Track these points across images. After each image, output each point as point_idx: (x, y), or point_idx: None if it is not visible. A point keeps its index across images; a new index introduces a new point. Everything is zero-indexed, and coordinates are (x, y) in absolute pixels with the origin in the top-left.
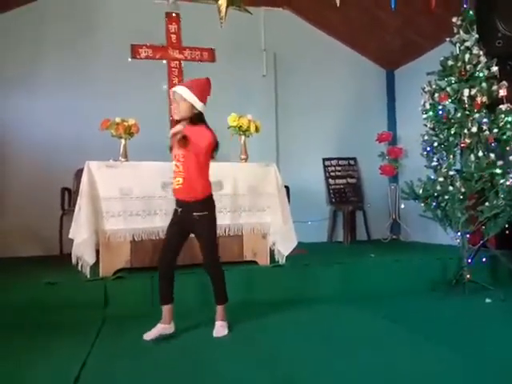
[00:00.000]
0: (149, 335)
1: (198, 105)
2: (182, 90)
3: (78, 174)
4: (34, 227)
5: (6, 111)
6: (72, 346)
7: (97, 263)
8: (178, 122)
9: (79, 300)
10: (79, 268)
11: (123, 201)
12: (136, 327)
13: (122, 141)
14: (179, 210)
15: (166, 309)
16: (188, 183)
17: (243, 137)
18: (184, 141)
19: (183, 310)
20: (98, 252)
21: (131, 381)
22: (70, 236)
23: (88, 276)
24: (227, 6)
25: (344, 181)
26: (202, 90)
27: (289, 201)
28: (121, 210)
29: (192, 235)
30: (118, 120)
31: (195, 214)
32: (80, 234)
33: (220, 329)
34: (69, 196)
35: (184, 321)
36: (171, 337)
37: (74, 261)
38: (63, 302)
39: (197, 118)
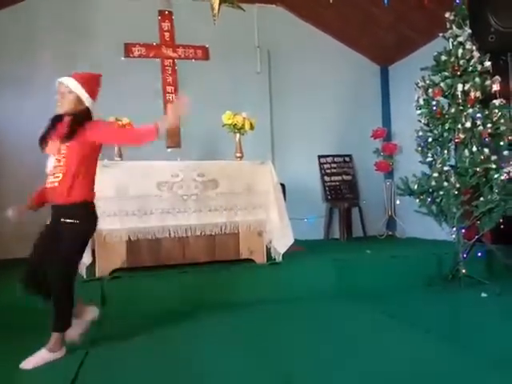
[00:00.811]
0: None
1: (88, 100)
2: (69, 81)
3: None
4: (28, 228)
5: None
6: (69, 346)
7: (93, 263)
8: (60, 116)
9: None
10: None
11: (119, 200)
12: (133, 326)
13: None
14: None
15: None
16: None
17: (238, 135)
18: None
19: (176, 309)
20: (94, 252)
21: (129, 380)
22: None
23: (84, 276)
24: (220, 3)
25: (339, 178)
26: (94, 84)
27: (284, 198)
28: (116, 210)
29: None
30: (111, 119)
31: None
32: None
33: (35, 358)
34: None
35: (181, 320)
36: (167, 337)
37: None
38: None
39: (84, 114)
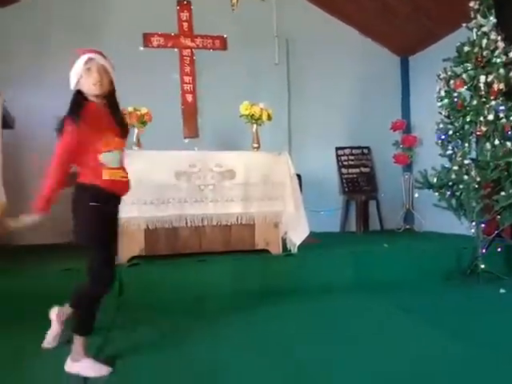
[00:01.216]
0: (102, 370)
1: (114, 80)
2: (102, 59)
3: None
4: (49, 215)
5: (21, 103)
6: None
7: None
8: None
9: None
10: None
11: (137, 189)
12: (150, 314)
13: (135, 129)
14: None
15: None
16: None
17: (255, 125)
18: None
19: (192, 297)
20: None
21: (146, 368)
22: None
23: None
24: None
25: (357, 170)
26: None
27: (301, 190)
28: (135, 199)
29: None
30: (130, 109)
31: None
32: None
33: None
34: None
35: (197, 308)
36: (183, 326)
37: None
38: None
39: (114, 95)
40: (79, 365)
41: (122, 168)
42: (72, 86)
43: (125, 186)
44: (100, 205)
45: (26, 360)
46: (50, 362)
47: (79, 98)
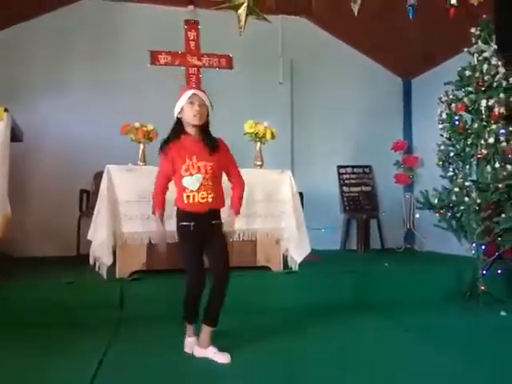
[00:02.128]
0: (189, 348)
1: (210, 113)
2: (203, 95)
3: (97, 176)
4: (52, 228)
5: (31, 117)
6: (89, 345)
7: (113, 264)
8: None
9: (96, 300)
10: (96, 269)
11: (141, 204)
12: (151, 328)
13: (141, 145)
14: (192, 224)
15: (193, 326)
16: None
17: (259, 143)
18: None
19: None
20: (114, 253)
21: (146, 380)
22: (89, 237)
23: (105, 277)
24: (247, 15)
25: (358, 189)
26: None
27: (302, 207)
28: (138, 214)
29: None
30: (137, 125)
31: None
32: (98, 236)
33: (221, 354)
34: (87, 198)
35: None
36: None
37: (91, 261)
38: (80, 302)
39: (208, 126)
40: (205, 351)
41: (206, 189)
42: (175, 114)
43: (203, 206)
44: (184, 224)
45: (25, 371)
46: (50, 374)
47: (178, 127)
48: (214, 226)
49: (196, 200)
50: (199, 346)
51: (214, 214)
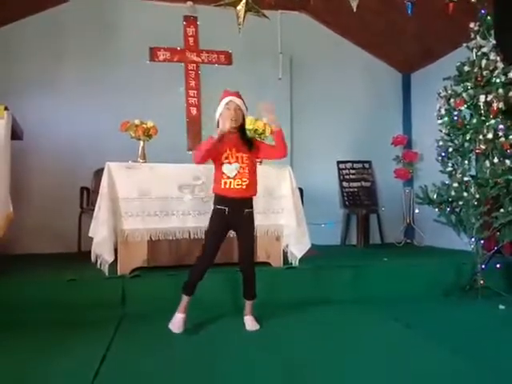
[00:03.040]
0: (177, 327)
1: (246, 115)
2: (239, 101)
3: (97, 173)
4: (53, 225)
5: (29, 113)
6: (91, 343)
7: (115, 261)
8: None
9: (97, 297)
10: (98, 266)
11: (141, 201)
12: (152, 324)
13: (141, 142)
14: (227, 209)
15: (188, 300)
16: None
17: (259, 140)
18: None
19: (198, 306)
20: (116, 250)
21: (149, 376)
22: (90, 234)
23: (106, 274)
24: (245, 12)
25: (358, 184)
26: None
27: (302, 203)
28: (139, 211)
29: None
30: (137, 122)
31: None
32: (99, 233)
33: (253, 322)
34: (87, 195)
35: (199, 318)
36: (187, 333)
37: (93, 259)
38: (82, 299)
39: (244, 127)
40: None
41: (241, 177)
42: (216, 117)
43: (238, 192)
44: (219, 208)
45: (26, 369)
46: (52, 371)
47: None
48: (246, 215)
49: (232, 186)
50: (244, 314)
51: (247, 201)
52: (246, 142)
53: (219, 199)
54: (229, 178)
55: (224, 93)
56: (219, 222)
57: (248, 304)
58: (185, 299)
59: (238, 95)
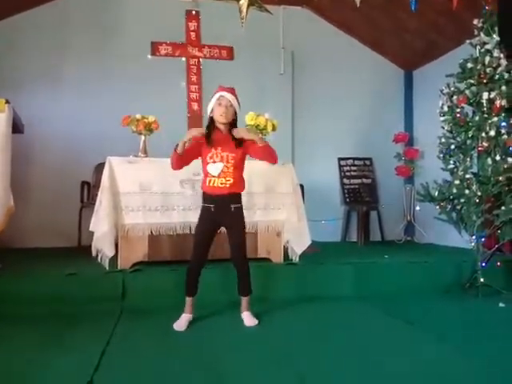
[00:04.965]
0: (180, 326)
1: (238, 111)
2: (230, 97)
3: (98, 168)
4: (54, 219)
5: (31, 109)
6: (91, 337)
7: (115, 256)
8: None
9: (98, 292)
10: (98, 260)
11: (142, 196)
12: (152, 319)
13: (142, 137)
14: (212, 206)
15: (191, 300)
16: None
17: (260, 135)
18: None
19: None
20: (116, 245)
21: (149, 370)
22: (91, 229)
23: (107, 268)
24: (248, 7)
25: (359, 181)
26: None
27: (303, 199)
28: (140, 205)
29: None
30: (138, 117)
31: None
32: (100, 228)
33: (250, 318)
34: (88, 189)
35: (199, 314)
36: (189, 328)
37: (93, 253)
38: (82, 293)
39: (235, 123)
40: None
41: (225, 176)
42: (208, 113)
43: (222, 190)
44: (206, 205)
45: (26, 363)
46: (52, 365)
47: (211, 124)
48: (233, 211)
49: (216, 184)
50: (241, 310)
51: (233, 198)
52: (234, 139)
53: (205, 197)
54: (213, 176)
55: (218, 88)
56: (206, 220)
57: (244, 300)
58: (188, 300)
59: (232, 91)
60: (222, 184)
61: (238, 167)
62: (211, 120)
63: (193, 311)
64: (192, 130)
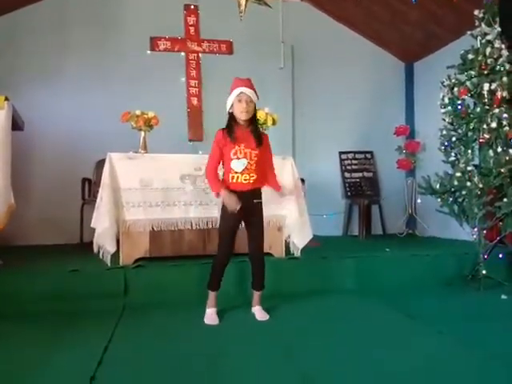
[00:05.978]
0: (212, 319)
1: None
2: (251, 93)
3: (99, 164)
4: (55, 216)
5: (31, 104)
6: (93, 333)
7: (117, 252)
8: (233, 121)
9: (100, 288)
10: (100, 256)
11: (143, 192)
12: (155, 315)
13: (142, 133)
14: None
15: (214, 294)
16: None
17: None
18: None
19: (196, 299)
20: (118, 241)
21: (151, 365)
22: (92, 225)
23: (108, 264)
24: (247, 0)
25: (360, 174)
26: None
27: (304, 194)
28: (141, 201)
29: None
30: (138, 112)
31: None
32: (101, 224)
33: (262, 312)
34: (89, 186)
35: (201, 310)
36: (191, 324)
37: (95, 249)
38: (84, 290)
39: (255, 117)
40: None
41: (249, 172)
42: (227, 109)
43: (245, 186)
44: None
45: (28, 359)
46: (54, 362)
47: (231, 120)
48: (255, 205)
49: (239, 180)
50: (253, 305)
51: (256, 193)
52: (256, 136)
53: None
54: (236, 172)
55: (235, 81)
56: (230, 216)
57: (256, 294)
58: (211, 294)
59: (249, 84)
60: (245, 180)
61: (261, 163)
62: (231, 116)
63: (216, 305)
64: (231, 205)
